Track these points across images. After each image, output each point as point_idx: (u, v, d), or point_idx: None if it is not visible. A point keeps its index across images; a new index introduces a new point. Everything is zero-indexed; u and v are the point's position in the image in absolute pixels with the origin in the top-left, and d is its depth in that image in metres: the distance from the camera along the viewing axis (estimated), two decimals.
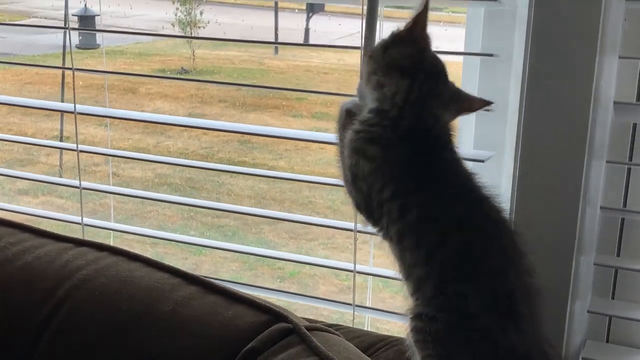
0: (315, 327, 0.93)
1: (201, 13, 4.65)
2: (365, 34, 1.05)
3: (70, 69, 1.41)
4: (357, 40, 1.14)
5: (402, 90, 0.88)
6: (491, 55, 1.15)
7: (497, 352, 0.82)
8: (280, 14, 4.88)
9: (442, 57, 0.93)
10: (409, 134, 0.88)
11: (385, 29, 1.07)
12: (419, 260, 0.86)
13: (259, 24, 4.95)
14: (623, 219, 1.15)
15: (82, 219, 1.51)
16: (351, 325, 1.22)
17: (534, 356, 0.85)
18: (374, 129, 0.89)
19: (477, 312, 0.82)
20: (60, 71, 1.39)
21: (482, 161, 1.16)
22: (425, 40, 0.91)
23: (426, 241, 0.85)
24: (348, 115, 0.94)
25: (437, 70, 0.91)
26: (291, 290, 2.03)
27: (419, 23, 0.90)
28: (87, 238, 1.45)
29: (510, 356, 0.83)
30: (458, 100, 0.92)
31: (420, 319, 0.84)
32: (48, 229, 1.13)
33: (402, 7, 1.25)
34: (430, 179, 0.87)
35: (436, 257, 0.85)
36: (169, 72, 4.96)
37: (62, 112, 1.45)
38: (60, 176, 3.82)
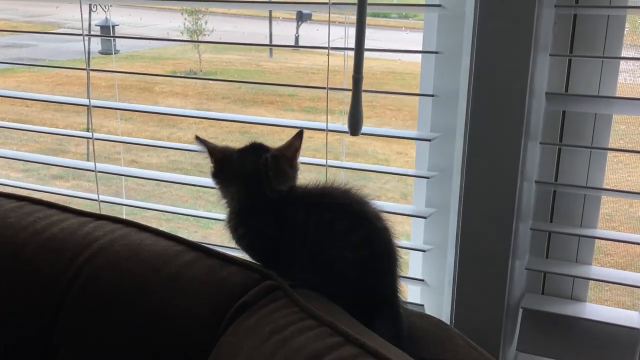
0: (297, 284, 0.93)
1: (206, 22, 4.60)
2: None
3: (85, 69, 1.42)
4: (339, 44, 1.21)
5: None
6: (437, 52, 1.16)
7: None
8: (273, 22, 4.84)
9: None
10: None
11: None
12: None
13: (255, 31, 4.91)
14: (555, 191, 1.16)
15: (98, 197, 1.51)
16: None
17: None
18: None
19: None
20: (85, 74, 1.37)
21: (429, 140, 1.18)
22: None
23: None
24: None
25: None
26: None
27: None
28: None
29: None
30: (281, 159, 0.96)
31: None
32: (73, 206, 1.12)
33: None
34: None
35: None
36: (179, 74, 4.92)
37: (79, 105, 1.45)
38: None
